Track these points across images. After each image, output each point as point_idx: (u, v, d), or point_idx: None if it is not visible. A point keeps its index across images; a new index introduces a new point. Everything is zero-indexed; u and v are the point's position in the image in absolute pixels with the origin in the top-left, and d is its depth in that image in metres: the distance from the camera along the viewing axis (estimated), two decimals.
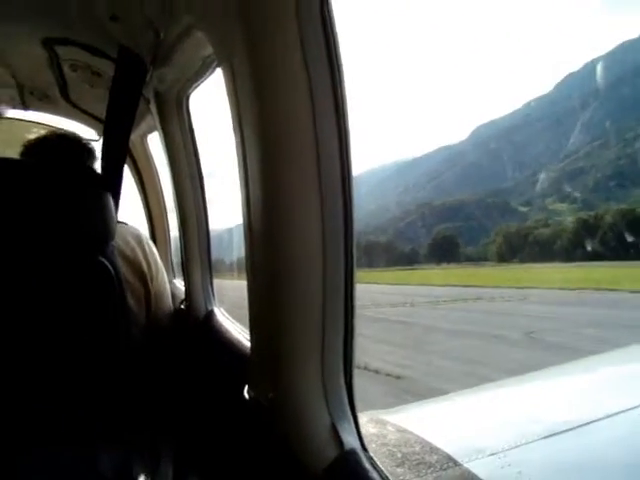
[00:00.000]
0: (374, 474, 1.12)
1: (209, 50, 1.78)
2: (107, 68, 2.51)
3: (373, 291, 40.44)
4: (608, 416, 2.15)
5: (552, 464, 1.96)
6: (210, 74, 2.10)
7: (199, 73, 2.14)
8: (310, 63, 1.10)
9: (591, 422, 2.12)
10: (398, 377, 12.63)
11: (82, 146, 2.34)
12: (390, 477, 1.16)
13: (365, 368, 13.30)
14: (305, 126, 1.12)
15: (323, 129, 1.13)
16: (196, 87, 2.31)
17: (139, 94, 2.36)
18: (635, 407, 2.21)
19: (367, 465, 1.15)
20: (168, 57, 2.12)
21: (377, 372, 13.08)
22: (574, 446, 2.02)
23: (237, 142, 1.30)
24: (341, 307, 1.22)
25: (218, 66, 1.41)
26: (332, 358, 1.23)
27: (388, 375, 12.89)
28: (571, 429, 2.07)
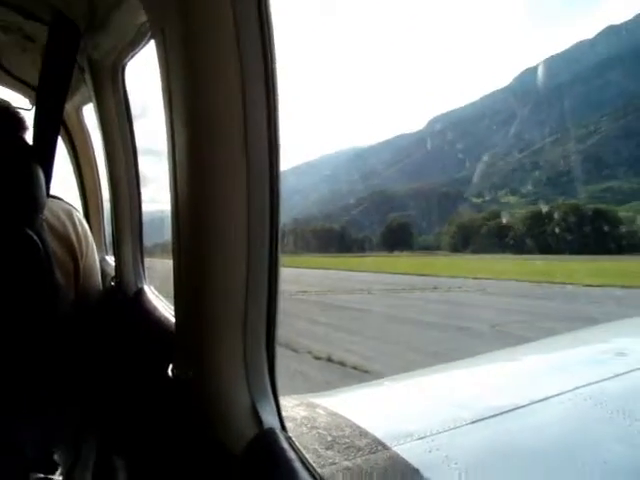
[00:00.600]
0: (291, 453, 1.11)
1: (144, 17, 1.72)
2: (40, 33, 2.42)
3: (327, 277, 40.47)
4: (533, 402, 2.20)
5: (478, 448, 1.99)
6: (146, 44, 2.04)
7: (134, 42, 2.07)
8: (242, 36, 1.07)
9: (517, 408, 2.16)
10: (366, 371, 11.95)
11: (10, 114, 2.25)
12: (307, 455, 1.14)
13: (329, 360, 12.95)
14: (235, 104, 1.09)
15: (253, 107, 1.10)
16: (132, 57, 2.24)
17: (73, 61, 2.28)
18: (558, 394, 2.26)
19: (285, 444, 1.14)
20: (103, 24, 2.05)
21: (343, 364, 12.65)
22: (500, 431, 2.06)
23: (166, 118, 1.26)
24: (264, 291, 1.20)
25: (152, 37, 1.37)
26: (254, 340, 1.22)
27: (355, 368, 12.33)
28: (498, 414, 2.12)
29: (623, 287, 28.33)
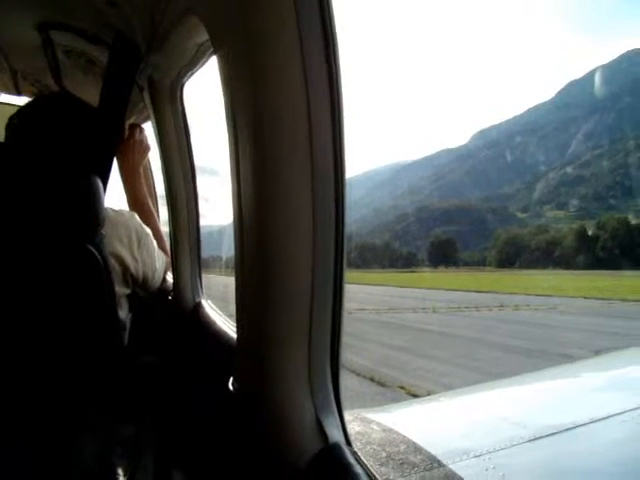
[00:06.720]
0: (358, 468, 1.09)
1: (204, 36, 1.75)
2: (101, 55, 2.49)
3: (380, 294, 39.38)
4: (593, 421, 2.14)
5: (536, 468, 1.95)
6: (205, 62, 2.07)
7: (194, 61, 2.10)
8: (307, 55, 1.07)
9: (577, 426, 2.11)
10: None
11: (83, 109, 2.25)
12: (375, 473, 1.12)
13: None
14: (300, 120, 1.09)
15: (318, 124, 1.09)
16: (191, 76, 2.27)
17: (132, 81, 2.34)
18: (620, 413, 2.20)
19: (351, 459, 1.12)
20: (163, 43, 2.08)
21: None
22: (559, 451, 2.01)
23: (229, 135, 1.26)
24: (329, 304, 1.18)
25: (213, 53, 1.39)
26: (319, 354, 1.20)
27: None
28: (556, 433, 2.06)
29: None
